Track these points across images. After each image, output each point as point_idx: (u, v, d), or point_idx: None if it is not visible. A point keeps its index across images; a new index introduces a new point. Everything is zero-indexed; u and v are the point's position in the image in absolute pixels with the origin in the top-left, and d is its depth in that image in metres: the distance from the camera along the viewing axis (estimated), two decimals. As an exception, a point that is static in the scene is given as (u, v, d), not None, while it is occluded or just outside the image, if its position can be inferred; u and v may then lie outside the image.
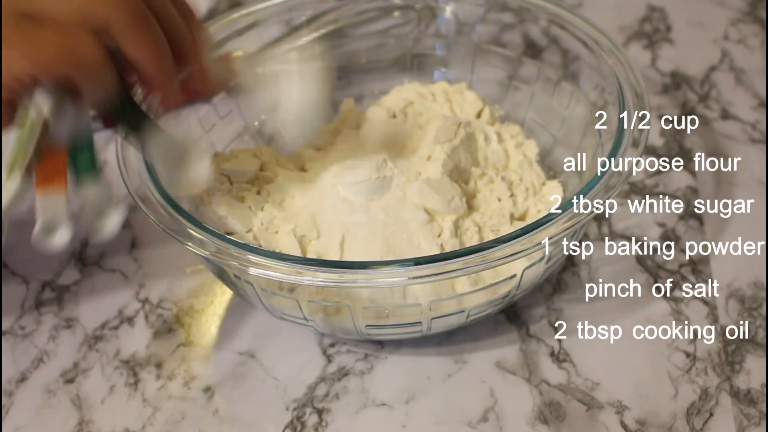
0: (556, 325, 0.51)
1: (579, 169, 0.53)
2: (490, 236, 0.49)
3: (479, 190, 0.52)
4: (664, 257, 0.55)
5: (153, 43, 0.39)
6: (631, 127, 0.46)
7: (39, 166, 0.39)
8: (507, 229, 0.49)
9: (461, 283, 0.46)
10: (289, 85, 0.48)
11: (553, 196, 0.52)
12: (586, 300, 0.53)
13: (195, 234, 0.42)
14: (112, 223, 0.42)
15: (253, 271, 0.41)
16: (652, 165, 0.61)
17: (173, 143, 0.45)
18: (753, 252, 0.55)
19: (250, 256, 0.41)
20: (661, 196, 0.59)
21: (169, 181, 0.45)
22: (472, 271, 0.40)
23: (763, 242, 0.56)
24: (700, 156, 0.62)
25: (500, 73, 0.61)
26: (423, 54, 0.63)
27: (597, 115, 0.52)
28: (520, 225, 0.49)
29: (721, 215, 0.58)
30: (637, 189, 0.60)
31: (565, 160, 0.53)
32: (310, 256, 0.48)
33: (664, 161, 0.62)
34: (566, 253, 0.49)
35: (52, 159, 0.41)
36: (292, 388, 0.49)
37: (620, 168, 0.44)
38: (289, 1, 0.59)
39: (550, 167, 0.56)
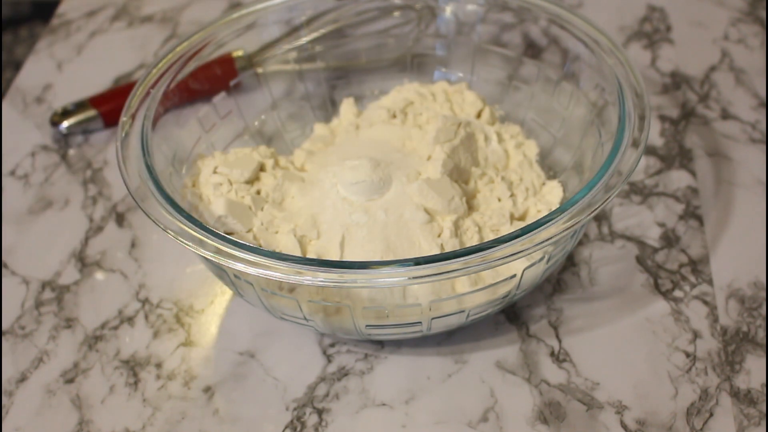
0: (556, 325, 0.51)
1: (579, 169, 0.53)
2: (490, 236, 0.49)
3: (479, 190, 0.52)
4: (664, 257, 0.55)
5: None
6: (631, 127, 0.46)
7: None
8: (507, 229, 0.49)
9: (461, 283, 0.46)
10: None
11: (553, 196, 0.52)
12: (586, 300, 0.53)
13: (195, 234, 0.42)
14: None
15: (253, 271, 0.41)
16: (652, 165, 0.61)
17: None
18: (753, 252, 0.55)
19: (250, 256, 0.41)
20: (661, 196, 0.59)
21: None
22: (472, 271, 0.40)
23: (763, 242, 0.56)
24: (700, 156, 0.62)
25: (500, 73, 0.61)
26: (423, 54, 0.63)
27: (597, 115, 0.52)
28: (520, 225, 0.49)
29: (721, 215, 0.58)
30: (637, 189, 0.60)
31: (566, 160, 0.53)
32: (310, 256, 0.48)
33: (664, 161, 0.62)
34: (566, 253, 0.49)
35: None
36: (292, 388, 0.49)
37: (620, 168, 0.44)
38: (289, 1, 0.58)
39: (550, 167, 0.56)
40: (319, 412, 0.48)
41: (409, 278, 0.40)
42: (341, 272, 0.40)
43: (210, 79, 0.57)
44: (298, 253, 0.47)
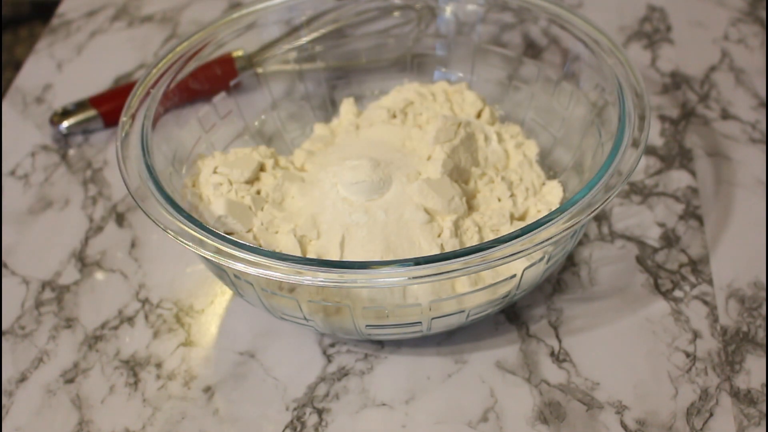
0: (556, 325, 0.51)
1: (579, 169, 0.53)
2: (490, 236, 0.49)
3: (479, 190, 0.52)
4: (664, 257, 0.55)
5: None
6: (631, 127, 0.46)
7: None
8: (507, 229, 0.49)
9: (461, 283, 0.46)
10: None
11: (553, 196, 0.52)
12: (586, 300, 0.53)
13: (195, 234, 0.42)
14: None
15: (253, 271, 0.41)
16: (652, 165, 0.61)
17: None
18: (753, 252, 0.55)
19: (250, 256, 0.41)
20: (661, 196, 0.59)
21: None
22: (472, 271, 0.40)
23: (763, 242, 0.56)
24: (700, 156, 0.62)
25: (500, 73, 0.61)
26: (423, 54, 0.63)
27: (597, 115, 0.52)
28: (520, 225, 0.49)
29: (721, 215, 0.58)
30: (637, 189, 0.60)
31: (566, 160, 0.53)
32: (310, 256, 0.48)
33: (664, 161, 0.62)
34: (566, 253, 0.49)
35: None
36: (292, 388, 0.49)
37: (620, 168, 0.44)
38: (289, 1, 0.58)
39: (550, 167, 0.56)
40: (319, 412, 0.48)
41: (409, 278, 0.40)
42: (341, 272, 0.40)
43: (210, 79, 0.57)
44: (298, 253, 0.47)
